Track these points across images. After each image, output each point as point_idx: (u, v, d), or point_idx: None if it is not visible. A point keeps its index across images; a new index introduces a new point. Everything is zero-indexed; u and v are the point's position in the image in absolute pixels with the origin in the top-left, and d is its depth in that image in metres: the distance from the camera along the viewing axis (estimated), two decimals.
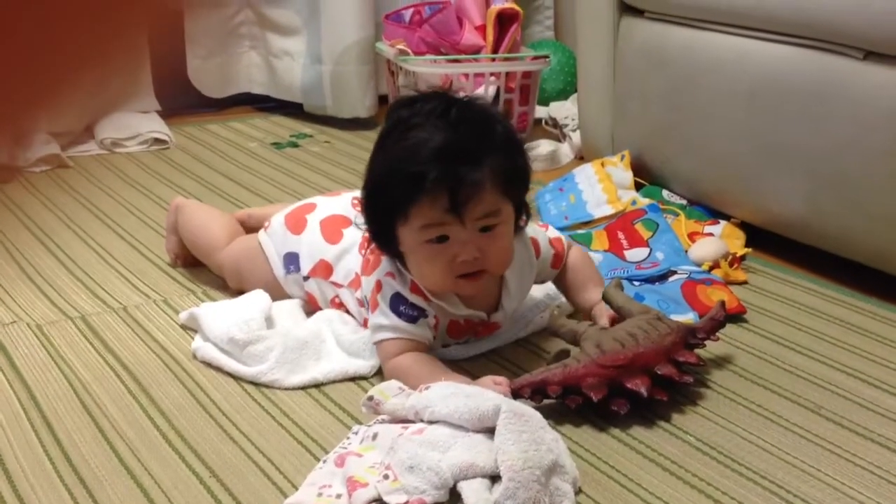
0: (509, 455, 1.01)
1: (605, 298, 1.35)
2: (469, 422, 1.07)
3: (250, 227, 1.63)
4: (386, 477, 1.03)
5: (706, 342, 1.30)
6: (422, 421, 1.10)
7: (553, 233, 1.46)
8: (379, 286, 1.31)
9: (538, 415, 1.09)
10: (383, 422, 1.14)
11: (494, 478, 1.03)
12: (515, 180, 1.26)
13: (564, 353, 1.24)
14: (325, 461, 1.10)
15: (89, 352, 1.39)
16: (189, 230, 1.63)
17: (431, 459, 1.03)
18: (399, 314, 1.29)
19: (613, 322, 1.31)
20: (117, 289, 1.60)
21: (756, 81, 1.70)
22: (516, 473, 1.00)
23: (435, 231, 1.22)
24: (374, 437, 1.11)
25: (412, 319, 1.29)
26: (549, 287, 1.48)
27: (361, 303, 1.37)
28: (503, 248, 1.26)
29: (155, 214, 1.95)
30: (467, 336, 1.38)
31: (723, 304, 1.35)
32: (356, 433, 1.15)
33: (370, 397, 1.15)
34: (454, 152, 1.19)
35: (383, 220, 1.25)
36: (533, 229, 1.39)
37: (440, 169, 1.18)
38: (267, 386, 1.30)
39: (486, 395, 1.09)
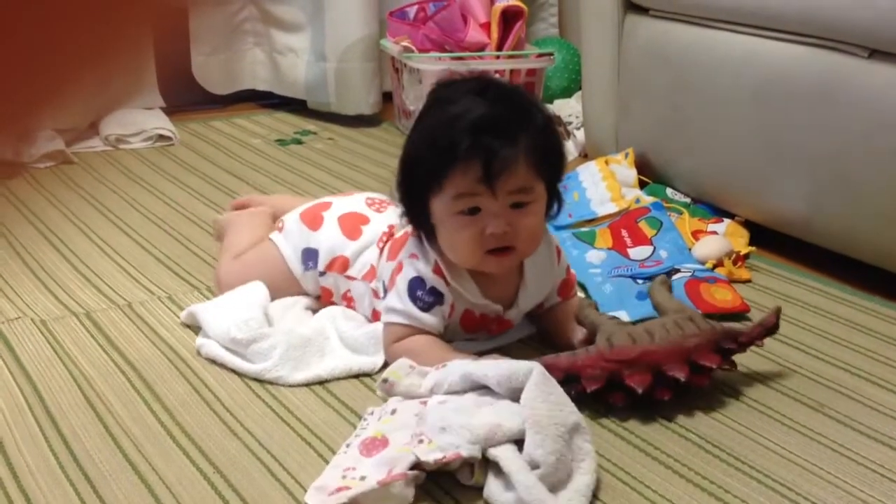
0: (537, 410, 1.06)
1: (649, 295, 1.35)
2: (498, 377, 1.11)
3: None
4: (420, 442, 1.07)
5: (749, 348, 1.27)
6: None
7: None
8: (401, 267, 1.32)
9: (561, 389, 1.12)
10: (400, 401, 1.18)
11: (519, 445, 1.06)
12: (549, 162, 1.27)
13: (589, 343, 1.25)
14: (348, 445, 1.12)
15: (94, 348, 1.40)
16: (230, 226, 1.63)
17: (462, 419, 1.07)
18: (415, 300, 1.30)
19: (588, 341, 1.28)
20: (121, 285, 1.61)
21: (760, 80, 1.70)
22: (543, 428, 1.04)
23: (467, 202, 1.23)
24: (393, 412, 1.15)
25: (427, 307, 1.30)
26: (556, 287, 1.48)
27: (377, 294, 1.38)
28: (532, 227, 1.26)
29: (159, 210, 1.95)
30: (479, 332, 1.38)
31: (778, 310, 1.29)
32: (372, 413, 1.17)
33: (384, 380, 1.19)
34: (489, 126, 1.22)
35: (418, 192, 1.27)
36: (557, 243, 1.40)
37: (474, 139, 1.21)
38: (271, 383, 1.30)
39: (517, 361, 1.14)
